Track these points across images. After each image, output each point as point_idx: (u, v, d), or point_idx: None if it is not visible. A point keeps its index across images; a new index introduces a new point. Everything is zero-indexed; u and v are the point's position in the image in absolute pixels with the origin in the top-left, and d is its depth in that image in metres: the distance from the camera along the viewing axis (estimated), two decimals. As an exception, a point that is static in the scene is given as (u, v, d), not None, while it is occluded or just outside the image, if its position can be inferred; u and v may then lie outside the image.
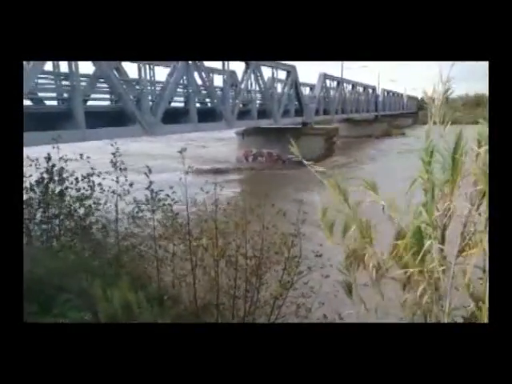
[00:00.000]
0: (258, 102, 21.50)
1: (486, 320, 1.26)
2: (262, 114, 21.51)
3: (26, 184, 4.63)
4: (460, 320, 1.44)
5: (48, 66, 10.97)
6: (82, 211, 4.89)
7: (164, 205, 4.64)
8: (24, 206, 4.37)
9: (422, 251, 1.33)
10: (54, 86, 11.39)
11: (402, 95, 59.13)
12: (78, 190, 4.98)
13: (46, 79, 11.28)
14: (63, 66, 11.35)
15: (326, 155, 23.26)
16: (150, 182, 4.70)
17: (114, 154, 4.91)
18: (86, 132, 11.02)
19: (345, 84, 35.01)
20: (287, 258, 4.24)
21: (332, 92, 31.85)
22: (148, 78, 14.31)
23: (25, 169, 4.00)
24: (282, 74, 23.63)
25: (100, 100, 13.29)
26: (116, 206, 4.84)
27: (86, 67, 12.42)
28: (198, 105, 16.66)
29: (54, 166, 4.93)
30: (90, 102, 12.52)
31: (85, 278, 3.12)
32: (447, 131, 1.37)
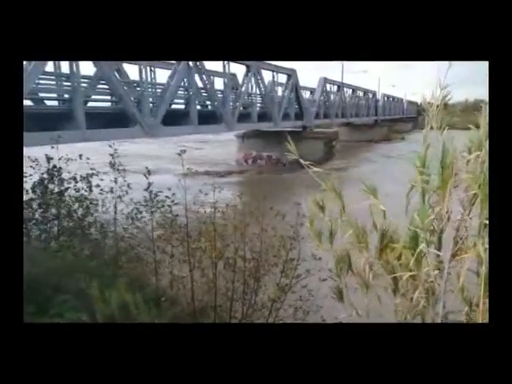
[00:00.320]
0: (258, 105, 21.56)
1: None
2: (262, 117, 21.57)
3: (26, 184, 4.62)
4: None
5: (49, 66, 11.02)
6: (80, 212, 4.89)
7: (163, 206, 4.64)
8: (25, 207, 4.37)
9: (415, 255, 1.34)
10: (54, 87, 11.41)
11: (401, 100, 59.31)
12: (78, 190, 4.97)
13: (47, 80, 11.30)
14: (64, 66, 11.41)
15: (325, 159, 23.30)
16: (149, 184, 4.68)
17: (112, 155, 4.90)
18: (86, 133, 11.04)
19: (345, 88, 35.12)
20: (285, 261, 4.24)
21: (332, 96, 31.95)
22: (149, 79, 14.35)
23: (25, 169, 3.99)
24: (282, 78, 23.74)
25: (101, 101, 13.33)
26: (115, 207, 4.84)
27: (87, 68, 12.47)
28: (198, 107, 16.71)
29: (54, 166, 4.91)
30: (90, 103, 12.55)
31: (83, 279, 3.12)
32: (444, 137, 1.37)
